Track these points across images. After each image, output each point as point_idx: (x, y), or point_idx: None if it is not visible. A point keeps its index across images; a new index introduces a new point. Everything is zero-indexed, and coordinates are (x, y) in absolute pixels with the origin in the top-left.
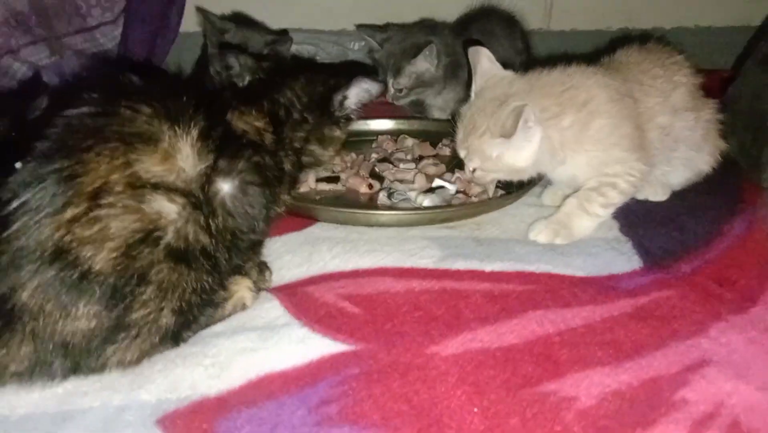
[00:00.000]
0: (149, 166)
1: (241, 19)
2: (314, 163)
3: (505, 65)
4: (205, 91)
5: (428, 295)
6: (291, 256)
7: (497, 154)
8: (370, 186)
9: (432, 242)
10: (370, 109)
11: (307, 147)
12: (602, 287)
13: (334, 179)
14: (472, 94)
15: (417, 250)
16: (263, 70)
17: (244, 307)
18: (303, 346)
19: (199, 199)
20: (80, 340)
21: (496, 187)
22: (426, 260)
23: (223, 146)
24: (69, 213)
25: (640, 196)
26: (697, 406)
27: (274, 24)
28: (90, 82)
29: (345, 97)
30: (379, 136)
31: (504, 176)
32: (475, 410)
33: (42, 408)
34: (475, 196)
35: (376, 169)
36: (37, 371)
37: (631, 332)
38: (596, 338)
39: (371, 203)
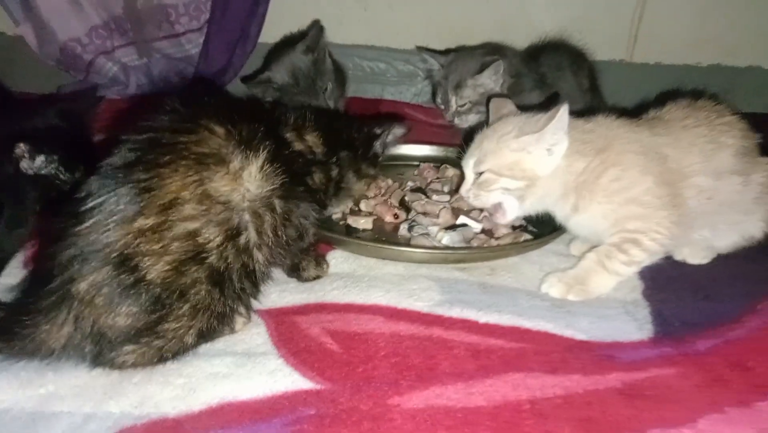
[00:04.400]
0: (219, 186)
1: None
2: (347, 192)
3: (570, 99)
4: (269, 111)
5: (412, 341)
6: (295, 281)
7: (517, 157)
8: (396, 216)
9: (436, 283)
10: (421, 133)
11: (346, 174)
12: (599, 356)
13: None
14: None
15: (418, 291)
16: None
17: (232, 330)
18: (271, 378)
19: (260, 216)
20: (112, 334)
21: (523, 230)
22: (422, 303)
23: (286, 169)
24: (139, 223)
25: (678, 257)
26: None
27: (348, 40)
28: (176, 93)
29: (385, 143)
30: (422, 164)
31: (513, 185)
32: None
33: (22, 405)
34: (497, 238)
35: (407, 199)
36: (69, 351)
37: (611, 410)
38: (570, 412)
39: (394, 234)
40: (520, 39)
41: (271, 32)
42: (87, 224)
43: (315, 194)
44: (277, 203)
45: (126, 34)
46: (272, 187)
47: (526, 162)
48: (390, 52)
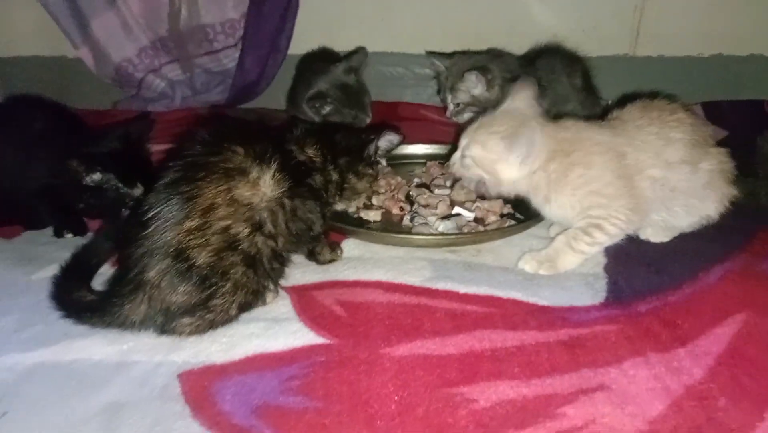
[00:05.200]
0: (242, 192)
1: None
2: (353, 191)
3: (563, 99)
4: (277, 131)
5: (404, 308)
6: (315, 264)
7: (493, 156)
8: (401, 209)
9: (429, 263)
10: (433, 131)
11: (347, 176)
12: (554, 317)
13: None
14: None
15: (413, 270)
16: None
17: (264, 303)
18: (293, 336)
19: (275, 213)
20: (175, 308)
21: (510, 217)
22: (415, 279)
23: (292, 175)
24: (187, 224)
25: (642, 236)
26: (570, 420)
27: (368, 48)
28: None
29: (377, 147)
30: (429, 162)
31: (484, 176)
32: (396, 398)
33: (110, 357)
34: (486, 225)
35: (412, 194)
36: (145, 323)
37: (553, 356)
38: (521, 358)
39: (399, 224)
40: (527, 40)
41: (299, 45)
42: (150, 229)
43: (318, 193)
44: (286, 202)
45: (170, 53)
46: (282, 190)
47: (496, 163)
48: (407, 57)
